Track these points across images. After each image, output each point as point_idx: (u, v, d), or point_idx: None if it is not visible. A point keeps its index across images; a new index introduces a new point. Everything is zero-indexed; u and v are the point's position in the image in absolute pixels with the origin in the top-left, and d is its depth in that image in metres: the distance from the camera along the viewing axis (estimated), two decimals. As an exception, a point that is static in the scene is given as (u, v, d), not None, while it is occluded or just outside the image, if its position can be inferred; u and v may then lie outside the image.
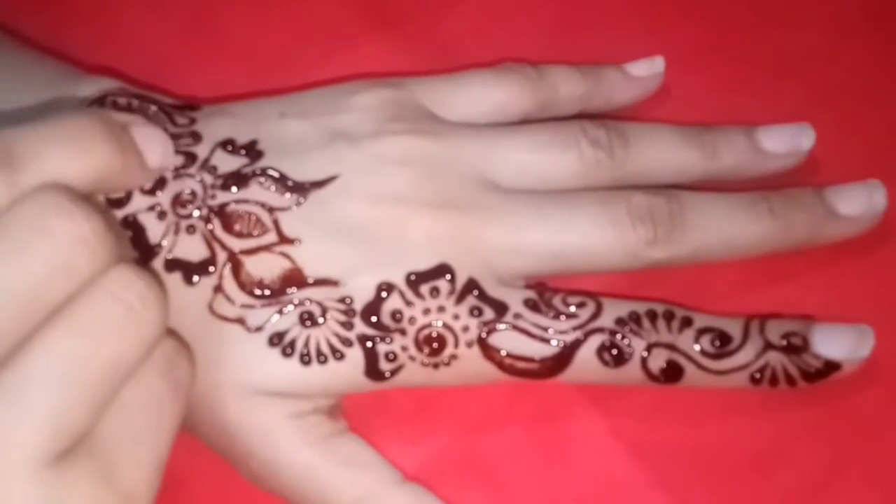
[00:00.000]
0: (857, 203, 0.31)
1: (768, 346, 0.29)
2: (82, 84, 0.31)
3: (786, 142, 0.32)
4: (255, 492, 0.29)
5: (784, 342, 0.29)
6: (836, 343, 0.29)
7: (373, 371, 0.28)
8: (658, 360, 0.29)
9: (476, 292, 0.29)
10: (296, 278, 0.28)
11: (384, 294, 0.28)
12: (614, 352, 0.28)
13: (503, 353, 0.28)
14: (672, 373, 0.29)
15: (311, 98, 0.31)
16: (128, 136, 0.26)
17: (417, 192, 0.29)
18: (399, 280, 0.28)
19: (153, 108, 0.30)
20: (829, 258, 0.32)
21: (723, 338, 0.29)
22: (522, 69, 0.32)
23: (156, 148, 0.27)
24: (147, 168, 0.27)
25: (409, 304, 0.28)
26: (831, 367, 0.29)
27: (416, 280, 0.28)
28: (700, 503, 0.30)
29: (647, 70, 0.34)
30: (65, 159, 0.24)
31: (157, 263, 0.28)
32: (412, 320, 0.28)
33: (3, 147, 0.23)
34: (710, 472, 0.30)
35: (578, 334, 0.28)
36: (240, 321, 0.28)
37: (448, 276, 0.28)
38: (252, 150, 0.29)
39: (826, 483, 0.30)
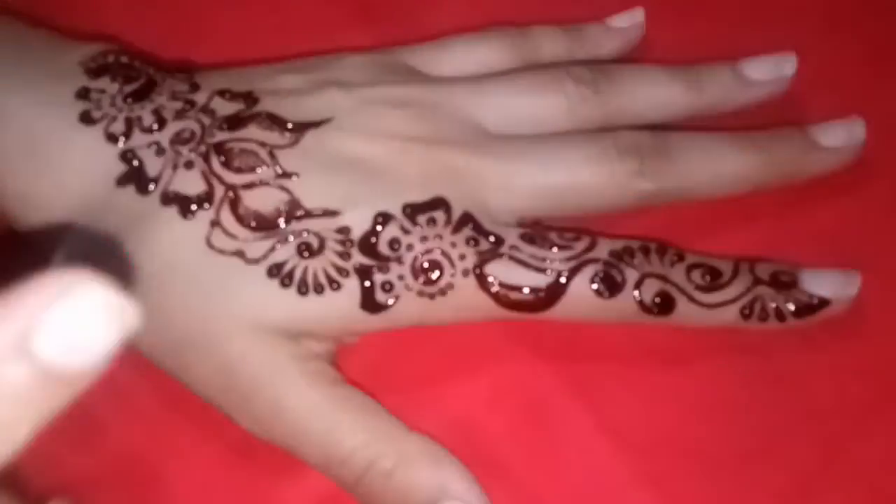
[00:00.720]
0: (837, 135, 0.32)
1: (758, 281, 0.29)
2: (73, 49, 0.31)
3: (769, 69, 0.33)
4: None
5: (773, 279, 0.30)
6: (824, 282, 0.30)
7: (369, 302, 0.28)
8: (650, 291, 0.29)
9: (472, 224, 0.29)
10: (294, 210, 0.28)
11: (381, 223, 0.28)
12: (608, 282, 0.29)
13: (498, 282, 0.29)
14: (664, 304, 0.29)
15: (306, 59, 0.33)
16: None
17: (411, 130, 0.30)
18: (396, 210, 0.29)
19: (151, 68, 0.31)
20: (816, 210, 0.33)
21: (713, 272, 0.29)
22: (505, 30, 0.34)
23: None
24: None
25: (406, 232, 0.29)
26: (821, 302, 0.30)
27: (413, 211, 0.29)
28: (687, 499, 0.29)
29: (628, 21, 0.35)
30: None
31: (154, 197, 0.28)
32: (410, 247, 0.28)
33: None
34: (697, 469, 0.30)
35: (573, 264, 0.29)
36: (238, 254, 0.28)
37: (443, 208, 0.29)
38: (249, 98, 0.30)
39: (815, 479, 0.29)
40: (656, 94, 0.32)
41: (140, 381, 0.30)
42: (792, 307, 0.29)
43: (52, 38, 0.31)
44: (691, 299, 0.29)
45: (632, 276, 0.29)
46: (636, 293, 0.29)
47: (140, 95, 0.29)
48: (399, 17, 0.37)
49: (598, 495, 0.29)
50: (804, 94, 0.34)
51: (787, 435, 0.30)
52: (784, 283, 0.30)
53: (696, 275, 0.29)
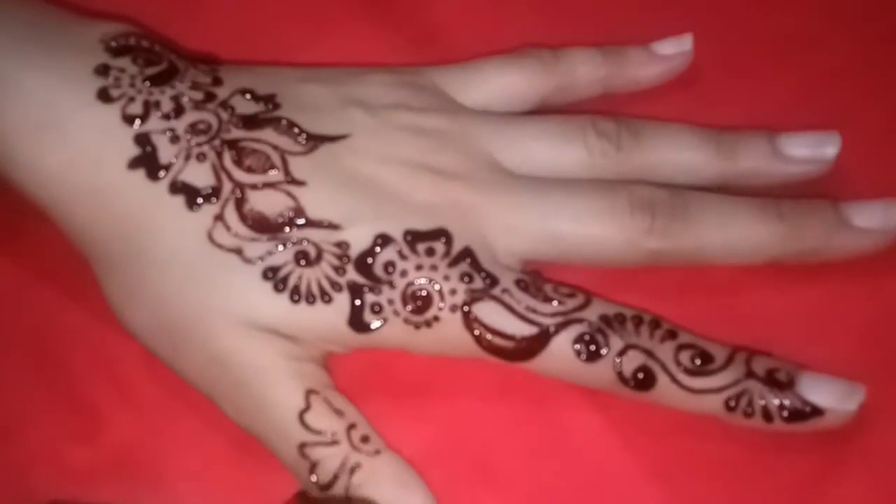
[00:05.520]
0: (872, 216, 0.31)
1: (750, 374, 0.28)
2: (94, 26, 0.31)
3: (809, 148, 0.32)
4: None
5: (767, 375, 0.28)
6: (822, 389, 0.28)
7: (356, 320, 0.28)
8: (632, 363, 0.28)
9: (469, 260, 0.29)
10: (297, 217, 0.29)
11: (380, 245, 0.29)
12: (591, 346, 0.28)
13: (483, 324, 0.28)
14: (644, 380, 0.28)
15: (333, 70, 0.33)
16: None
17: (426, 159, 0.30)
18: (397, 234, 0.29)
19: (173, 55, 0.31)
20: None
21: (704, 357, 0.28)
22: (538, 52, 0.33)
23: None
24: None
25: (403, 257, 0.29)
26: (813, 410, 0.28)
27: (413, 238, 0.29)
28: (695, 496, 0.29)
29: (674, 48, 0.34)
30: None
31: (162, 185, 0.29)
32: (404, 273, 0.29)
33: None
34: (707, 465, 0.29)
35: (559, 320, 0.28)
36: (237, 251, 0.29)
37: (444, 239, 0.29)
38: (271, 102, 0.31)
39: (825, 476, 0.29)
40: (682, 158, 0.32)
41: (141, 372, 0.31)
42: (781, 410, 0.28)
43: (71, 14, 0.31)
44: (674, 379, 0.28)
45: (616, 344, 0.28)
46: (617, 363, 0.28)
47: (160, 80, 0.30)
48: (401, 6, 0.37)
49: (608, 492, 0.29)
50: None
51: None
52: (779, 381, 0.28)
53: (686, 356, 0.28)
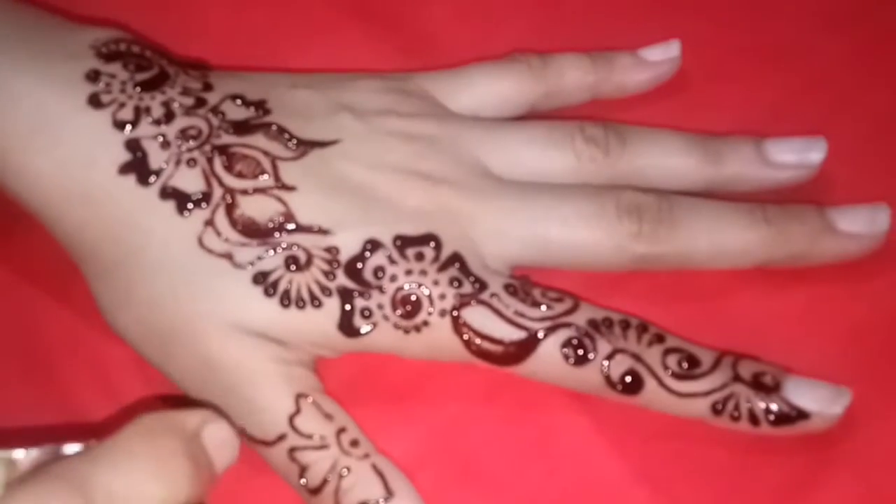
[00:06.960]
0: (857, 221, 0.31)
1: (737, 378, 0.28)
2: (85, 32, 0.31)
3: (795, 153, 0.32)
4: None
5: (754, 379, 0.28)
6: (808, 393, 0.28)
7: (346, 325, 0.29)
8: (619, 368, 0.28)
9: (458, 265, 0.29)
10: (286, 222, 0.29)
11: (370, 250, 0.29)
12: (579, 350, 0.28)
13: (472, 329, 0.29)
14: (631, 384, 0.28)
15: (323, 76, 0.33)
16: (199, 446, 0.23)
17: (415, 165, 0.30)
18: (387, 240, 0.29)
19: (164, 61, 0.31)
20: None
21: (691, 360, 0.29)
22: (526, 59, 0.33)
23: (226, 452, 0.24)
24: (215, 473, 0.24)
25: (392, 262, 0.29)
26: (799, 414, 0.28)
27: (403, 243, 0.29)
28: (683, 499, 0.29)
29: (662, 54, 0.34)
30: (145, 494, 0.21)
31: (153, 190, 0.29)
32: (393, 278, 0.29)
33: (76, 483, 0.21)
34: (694, 468, 0.29)
35: (547, 324, 0.29)
36: (227, 256, 0.29)
37: (433, 244, 0.29)
38: (261, 107, 0.31)
39: (812, 479, 0.29)
40: (669, 163, 0.32)
41: (131, 376, 0.31)
42: (768, 413, 0.28)
43: (63, 20, 0.31)
44: (661, 384, 0.28)
45: (604, 348, 0.28)
46: (604, 367, 0.28)
47: (151, 86, 0.30)
48: (393, 12, 0.37)
49: (595, 495, 0.29)
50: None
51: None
52: (765, 385, 0.28)
53: (673, 360, 0.28)
